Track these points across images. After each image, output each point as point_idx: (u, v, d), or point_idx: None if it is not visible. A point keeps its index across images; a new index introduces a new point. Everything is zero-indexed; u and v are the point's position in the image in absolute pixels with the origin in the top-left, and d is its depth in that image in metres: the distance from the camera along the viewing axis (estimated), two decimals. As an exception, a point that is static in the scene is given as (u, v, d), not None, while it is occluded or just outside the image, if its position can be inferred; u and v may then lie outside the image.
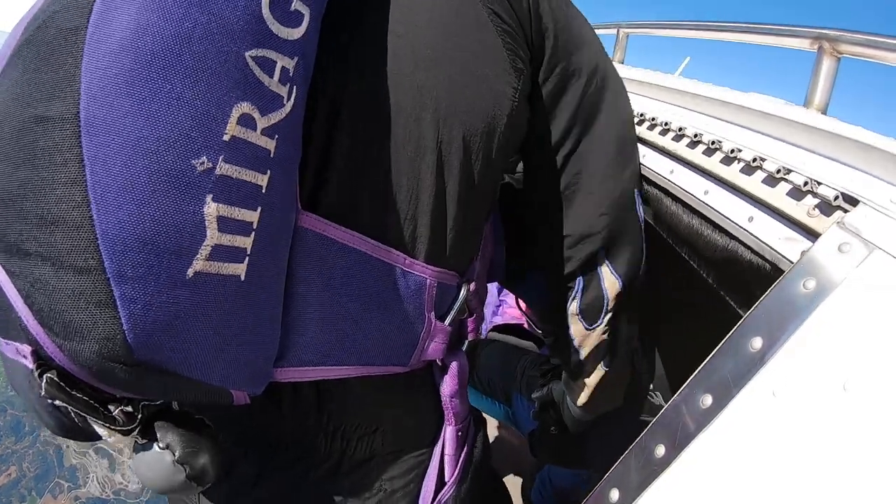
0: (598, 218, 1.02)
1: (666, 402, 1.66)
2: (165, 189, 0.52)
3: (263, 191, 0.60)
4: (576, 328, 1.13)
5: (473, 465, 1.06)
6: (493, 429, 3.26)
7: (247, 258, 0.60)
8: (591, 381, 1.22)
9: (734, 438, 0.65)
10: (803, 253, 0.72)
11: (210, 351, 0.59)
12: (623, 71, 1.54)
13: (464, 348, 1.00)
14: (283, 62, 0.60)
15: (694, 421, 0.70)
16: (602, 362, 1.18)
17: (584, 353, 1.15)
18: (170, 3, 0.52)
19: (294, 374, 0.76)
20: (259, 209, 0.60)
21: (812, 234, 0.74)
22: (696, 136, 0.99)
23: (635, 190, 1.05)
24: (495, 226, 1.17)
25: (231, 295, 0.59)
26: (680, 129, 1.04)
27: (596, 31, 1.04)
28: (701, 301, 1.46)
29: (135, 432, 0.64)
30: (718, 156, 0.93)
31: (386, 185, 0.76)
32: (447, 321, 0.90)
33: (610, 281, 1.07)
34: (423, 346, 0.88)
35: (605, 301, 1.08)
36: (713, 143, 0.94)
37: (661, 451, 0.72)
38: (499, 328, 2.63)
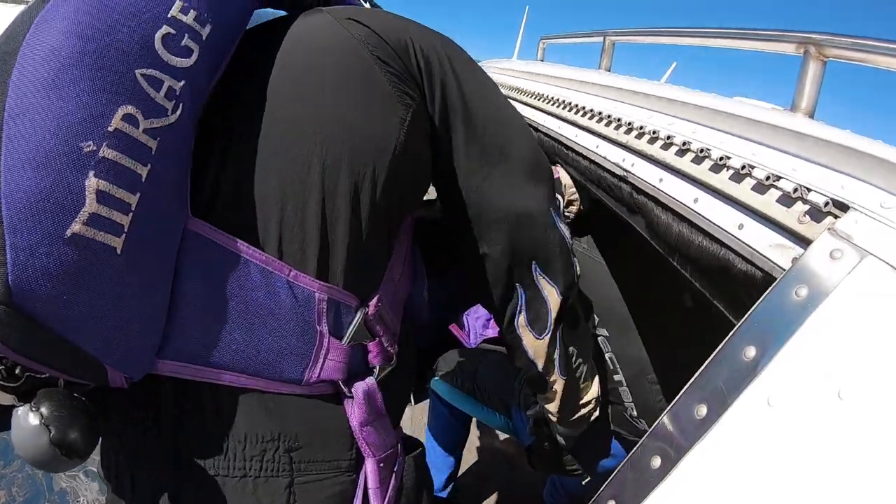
0: (516, 242, 1.11)
1: (650, 426, 1.68)
2: (58, 163, 0.64)
3: (143, 180, 0.71)
4: (528, 339, 1.21)
5: (405, 497, 1.07)
6: (497, 433, 3.28)
7: (124, 234, 0.69)
8: (555, 389, 1.30)
9: (730, 449, 0.64)
10: (795, 260, 0.72)
11: (84, 314, 0.68)
12: (610, 79, 1.54)
13: (375, 376, 1.00)
14: (169, 82, 0.74)
15: (689, 431, 0.69)
16: (558, 369, 1.26)
17: (540, 363, 1.23)
18: (86, 29, 0.67)
19: (178, 370, 0.83)
20: (138, 194, 0.71)
21: (803, 241, 0.73)
22: (684, 144, 0.99)
23: (549, 210, 1.13)
24: (416, 267, 1.22)
25: (106, 264, 0.68)
26: (668, 138, 1.04)
27: (582, 39, 1.07)
28: (692, 309, 1.46)
29: (13, 391, 0.74)
30: (707, 163, 0.93)
31: (273, 198, 0.86)
32: (345, 341, 0.94)
33: (549, 290, 1.16)
34: (318, 362, 0.91)
35: (549, 310, 1.17)
36: (702, 150, 0.94)
37: (656, 462, 0.71)
38: (489, 340, 2.65)
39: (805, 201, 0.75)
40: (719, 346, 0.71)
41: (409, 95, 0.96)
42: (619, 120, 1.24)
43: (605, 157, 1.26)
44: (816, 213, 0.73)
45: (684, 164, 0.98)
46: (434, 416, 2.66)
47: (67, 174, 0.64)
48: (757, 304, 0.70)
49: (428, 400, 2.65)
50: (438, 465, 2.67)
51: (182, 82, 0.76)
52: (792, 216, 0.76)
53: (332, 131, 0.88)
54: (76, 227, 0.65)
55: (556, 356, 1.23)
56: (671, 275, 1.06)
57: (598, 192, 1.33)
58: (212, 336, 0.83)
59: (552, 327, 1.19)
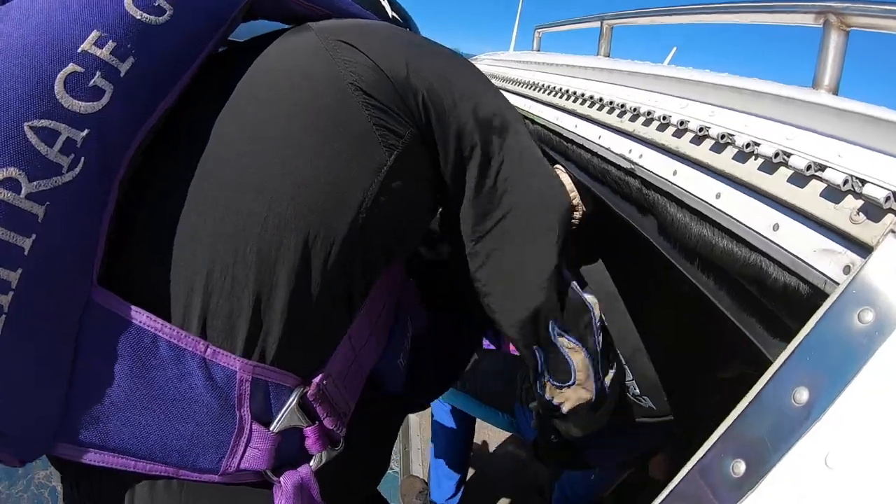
0: (537, 299, 1.01)
1: (656, 406, 1.57)
2: None
3: (26, 253, 0.63)
4: (554, 394, 1.12)
5: None
6: (501, 437, 3.27)
7: (4, 315, 0.62)
8: (575, 427, 1.23)
9: (777, 519, 0.50)
10: (848, 269, 0.57)
11: None
12: (610, 63, 1.41)
13: (312, 464, 0.88)
14: (68, 133, 0.65)
15: (723, 493, 0.55)
16: (582, 412, 1.16)
17: (565, 408, 1.14)
18: None
19: (76, 454, 0.74)
20: (20, 270, 0.63)
21: (859, 246, 0.58)
22: (701, 129, 0.84)
23: (562, 267, 1.04)
24: (395, 330, 1.10)
25: None
26: (682, 123, 0.89)
27: (578, 25, 0.98)
28: (717, 330, 1.32)
29: None
30: (731, 151, 0.78)
31: (200, 262, 0.76)
32: (274, 428, 0.82)
33: (570, 347, 1.05)
34: (237, 451, 0.80)
35: (571, 365, 1.07)
36: (723, 136, 0.79)
37: (680, 528, 0.57)
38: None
39: (858, 195, 0.60)
40: (759, 385, 0.56)
41: (396, 134, 0.85)
42: (622, 106, 1.10)
43: (608, 149, 1.11)
44: (874, 210, 0.58)
45: (702, 153, 0.83)
46: (437, 419, 2.66)
47: None
48: (806, 330, 0.55)
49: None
50: (445, 471, 2.68)
51: (85, 132, 0.67)
52: (842, 214, 0.61)
53: (279, 183, 0.77)
54: None
55: (582, 403, 1.13)
56: (689, 283, 0.91)
57: (602, 189, 1.19)
58: (113, 419, 0.74)
59: (576, 378, 1.08)
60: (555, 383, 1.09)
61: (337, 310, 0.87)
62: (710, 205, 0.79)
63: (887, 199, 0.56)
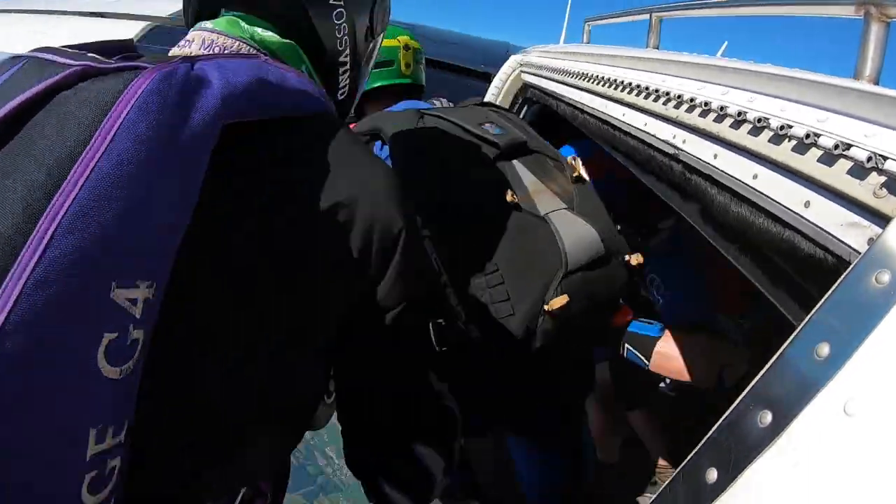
0: None
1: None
2: None
3: None
4: None
5: None
6: None
7: None
8: None
9: (800, 463, 0.55)
10: (871, 240, 0.62)
11: None
12: (655, 54, 1.45)
13: None
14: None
15: (751, 441, 0.60)
16: None
17: None
18: None
19: None
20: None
21: (881, 218, 0.63)
22: (739, 114, 0.88)
23: None
24: None
25: None
26: (721, 109, 0.93)
27: (627, 18, 1.01)
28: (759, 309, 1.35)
29: None
30: (766, 134, 0.82)
31: None
32: None
33: None
34: None
35: None
36: (759, 120, 0.83)
37: (712, 475, 0.62)
38: None
39: (881, 171, 0.64)
40: (786, 342, 0.61)
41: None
42: (667, 94, 1.14)
43: (654, 136, 1.16)
44: (895, 185, 0.63)
45: (741, 136, 0.88)
46: None
47: None
48: (830, 292, 0.60)
49: None
50: None
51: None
52: (866, 190, 0.65)
53: None
54: None
55: None
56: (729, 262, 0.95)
57: (647, 177, 1.23)
58: None
59: None
60: None
61: None
62: (748, 185, 0.84)
63: (907, 173, 0.61)
